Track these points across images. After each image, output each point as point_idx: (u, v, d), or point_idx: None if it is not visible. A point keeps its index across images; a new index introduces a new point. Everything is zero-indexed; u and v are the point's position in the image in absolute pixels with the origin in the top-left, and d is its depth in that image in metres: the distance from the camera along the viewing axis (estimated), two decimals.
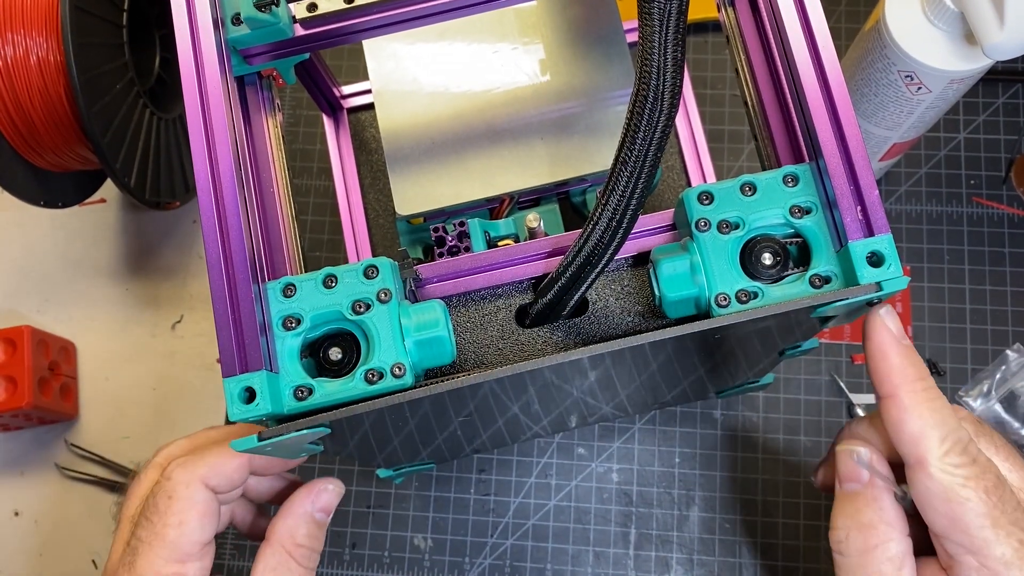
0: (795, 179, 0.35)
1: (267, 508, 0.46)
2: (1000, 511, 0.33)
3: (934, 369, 0.62)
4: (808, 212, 0.35)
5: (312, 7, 0.39)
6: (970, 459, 0.34)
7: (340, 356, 0.35)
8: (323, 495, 0.41)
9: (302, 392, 0.34)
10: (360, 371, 0.34)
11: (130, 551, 0.38)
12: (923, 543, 0.36)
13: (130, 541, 0.38)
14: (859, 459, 0.37)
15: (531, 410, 0.45)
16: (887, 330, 0.35)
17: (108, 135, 0.56)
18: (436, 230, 0.46)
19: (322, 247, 0.69)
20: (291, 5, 0.40)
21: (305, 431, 0.33)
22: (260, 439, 0.32)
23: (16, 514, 0.67)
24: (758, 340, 0.41)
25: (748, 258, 0.35)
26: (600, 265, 0.36)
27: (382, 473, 0.56)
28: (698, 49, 0.71)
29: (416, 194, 0.48)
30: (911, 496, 0.35)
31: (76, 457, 0.67)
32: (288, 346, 0.35)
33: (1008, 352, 0.62)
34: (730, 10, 0.41)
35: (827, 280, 0.34)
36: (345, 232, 0.59)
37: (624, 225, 0.34)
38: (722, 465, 0.62)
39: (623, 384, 0.45)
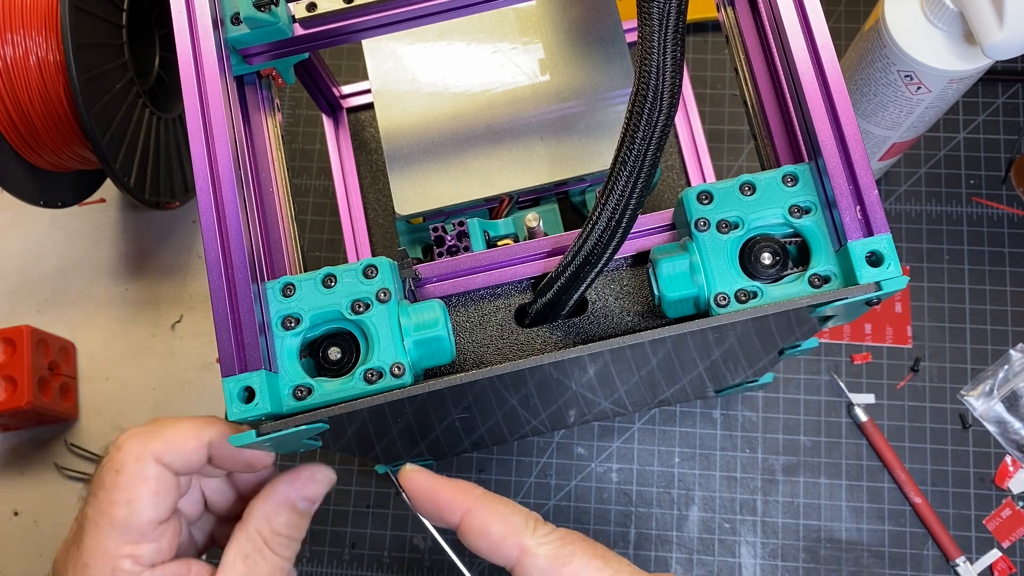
0: (794, 179, 0.35)
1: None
2: (596, 548, 0.34)
3: (915, 366, 0.62)
4: (807, 212, 0.35)
5: (311, 7, 0.39)
6: (551, 526, 0.35)
7: (339, 356, 0.35)
8: (309, 484, 0.37)
9: (301, 392, 0.34)
10: (359, 371, 0.34)
11: (77, 528, 0.34)
12: None
13: (78, 517, 0.35)
14: None
15: (530, 404, 0.46)
16: (421, 476, 0.35)
17: (107, 135, 0.56)
18: (435, 230, 0.46)
19: (322, 247, 0.69)
20: (290, 5, 0.40)
21: (304, 427, 0.33)
22: (259, 434, 0.32)
23: (16, 514, 0.67)
24: (758, 339, 0.41)
25: (747, 258, 0.35)
26: (599, 265, 0.36)
27: (380, 469, 0.55)
28: (698, 49, 0.71)
29: (415, 194, 0.48)
30: None
31: (76, 457, 0.67)
32: (287, 346, 0.35)
33: (1012, 352, 0.62)
34: (729, 10, 0.41)
35: (826, 280, 0.34)
36: (344, 232, 0.59)
37: (623, 225, 0.34)
38: (721, 465, 0.62)
39: (622, 381, 0.45)
